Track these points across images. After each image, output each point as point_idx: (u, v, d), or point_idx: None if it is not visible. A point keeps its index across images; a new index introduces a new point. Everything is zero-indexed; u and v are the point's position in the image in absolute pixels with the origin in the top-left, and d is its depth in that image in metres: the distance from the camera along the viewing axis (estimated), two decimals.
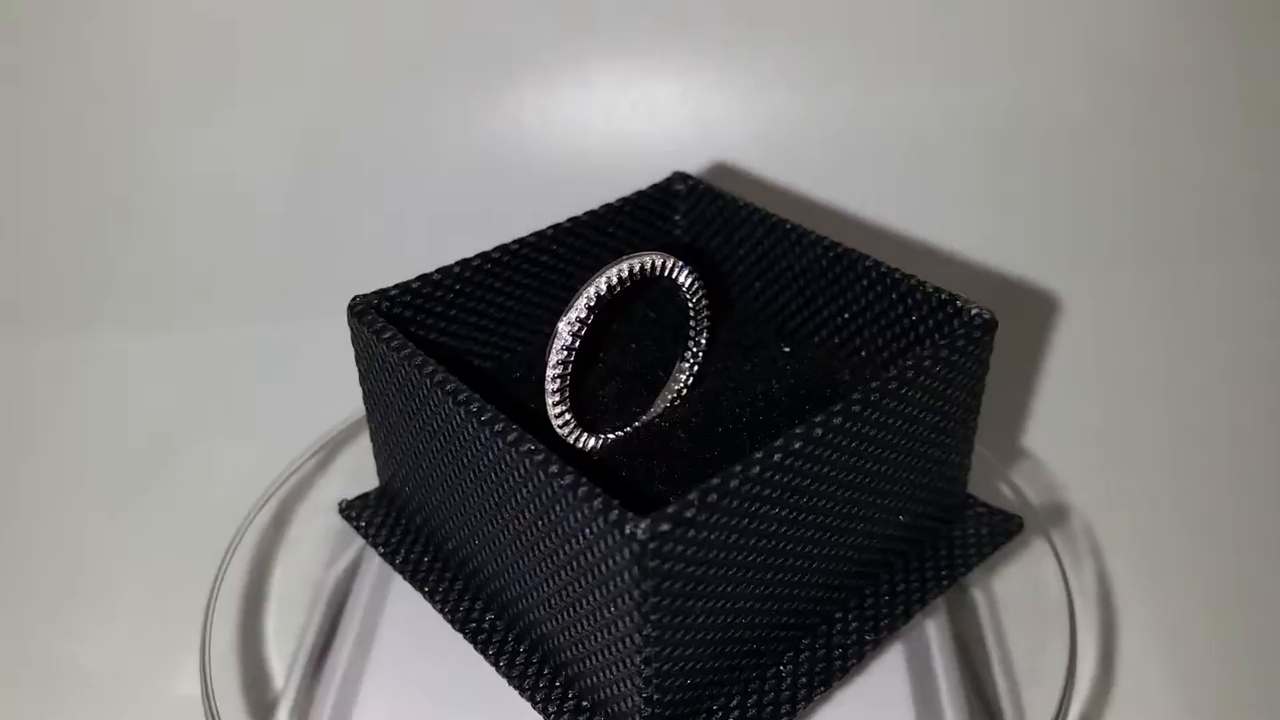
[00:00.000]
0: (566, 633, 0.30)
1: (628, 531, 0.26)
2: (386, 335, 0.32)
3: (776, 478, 0.29)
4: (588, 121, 0.61)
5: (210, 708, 0.35)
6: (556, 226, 0.40)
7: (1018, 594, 0.42)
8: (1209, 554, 0.48)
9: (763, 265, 0.40)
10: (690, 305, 0.35)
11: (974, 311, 0.34)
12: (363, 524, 0.37)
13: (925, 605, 0.35)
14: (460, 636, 0.34)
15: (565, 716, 0.31)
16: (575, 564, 0.29)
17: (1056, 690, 0.36)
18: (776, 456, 0.28)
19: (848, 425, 0.30)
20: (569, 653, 0.31)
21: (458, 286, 0.37)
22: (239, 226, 0.62)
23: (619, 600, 0.28)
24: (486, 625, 0.33)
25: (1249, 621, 0.45)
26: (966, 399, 0.34)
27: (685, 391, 0.36)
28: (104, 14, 0.60)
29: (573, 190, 0.47)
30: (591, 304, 0.32)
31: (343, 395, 0.43)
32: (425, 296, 0.36)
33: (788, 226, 0.39)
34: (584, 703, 0.31)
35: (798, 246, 0.39)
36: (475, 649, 0.33)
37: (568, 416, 0.33)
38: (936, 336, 0.35)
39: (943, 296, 0.35)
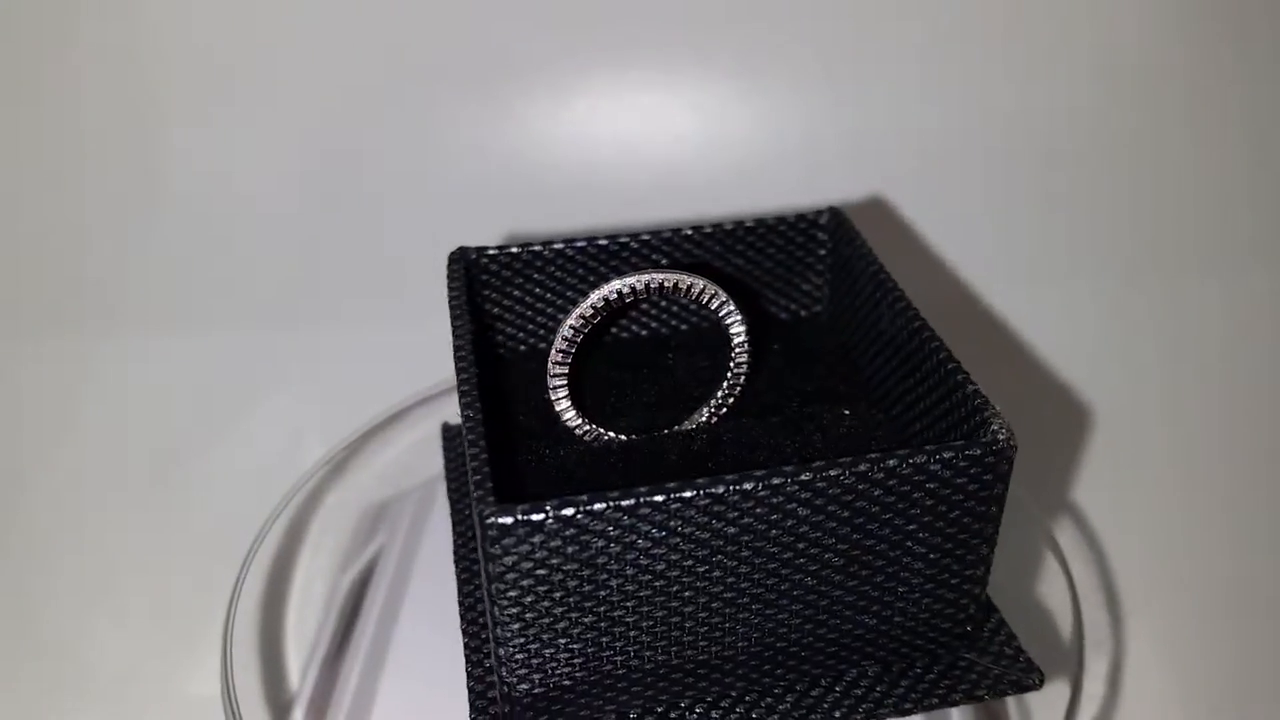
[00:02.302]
0: None
1: (478, 511, 0.28)
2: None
3: (666, 520, 0.28)
4: (596, 130, 0.60)
5: (232, 708, 0.36)
6: (676, 231, 0.40)
7: (1024, 600, 0.42)
8: (1215, 561, 0.48)
9: (855, 320, 0.39)
10: (729, 335, 0.35)
11: (994, 427, 0.30)
12: None
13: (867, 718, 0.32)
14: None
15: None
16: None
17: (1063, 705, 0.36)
18: (659, 498, 0.28)
19: (763, 495, 0.28)
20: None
21: (562, 260, 0.40)
22: (248, 231, 0.63)
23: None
24: None
25: (1255, 628, 0.45)
26: (967, 520, 0.30)
27: (718, 414, 0.36)
28: (109, 16, 0.60)
29: (581, 198, 0.47)
30: (599, 305, 0.33)
31: (356, 400, 0.45)
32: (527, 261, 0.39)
33: (888, 285, 0.37)
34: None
35: (889, 310, 0.36)
36: None
37: (567, 404, 0.34)
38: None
39: (977, 402, 0.31)
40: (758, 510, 0.29)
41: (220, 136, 0.61)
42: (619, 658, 0.31)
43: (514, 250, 0.39)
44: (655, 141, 0.61)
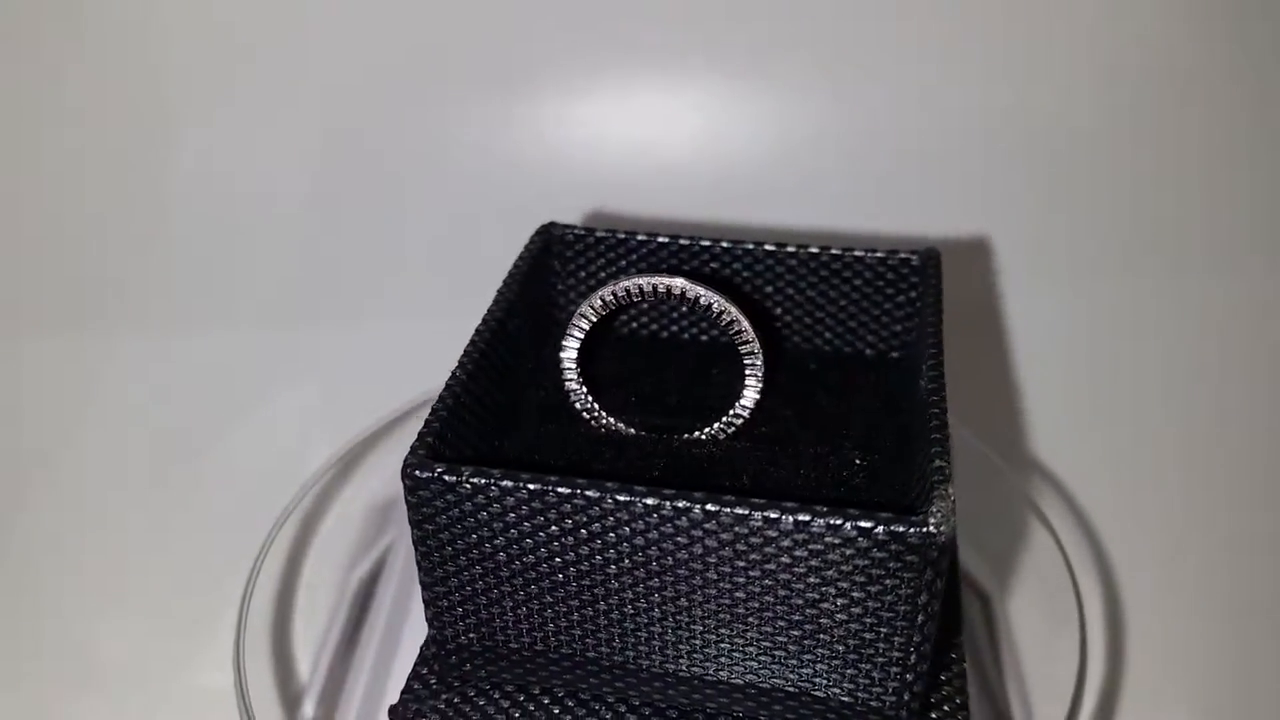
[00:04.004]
0: None
1: (405, 459, 0.30)
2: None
3: (573, 514, 0.29)
4: (604, 128, 0.57)
5: (244, 702, 0.37)
6: (758, 244, 0.40)
7: (1029, 602, 0.42)
8: (1218, 562, 0.48)
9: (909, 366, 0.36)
10: (740, 356, 0.34)
11: (933, 509, 0.28)
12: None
13: None
14: None
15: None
16: None
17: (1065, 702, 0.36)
18: (565, 490, 0.29)
19: (668, 514, 0.28)
20: None
21: (644, 251, 0.41)
22: (259, 229, 0.63)
23: None
24: None
25: (1257, 629, 0.45)
26: (890, 599, 0.28)
27: (726, 431, 0.36)
28: (121, 14, 0.60)
29: (587, 196, 0.45)
30: (607, 299, 0.34)
31: (363, 400, 0.46)
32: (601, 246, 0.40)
33: (931, 340, 0.34)
34: None
35: (924, 364, 0.34)
36: None
37: (576, 386, 0.36)
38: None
39: (935, 479, 0.29)
40: (664, 528, 0.29)
41: (225, 135, 0.62)
42: (525, 639, 0.32)
43: (600, 234, 0.41)
44: (659, 142, 0.61)
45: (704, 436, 0.36)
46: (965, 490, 0.39)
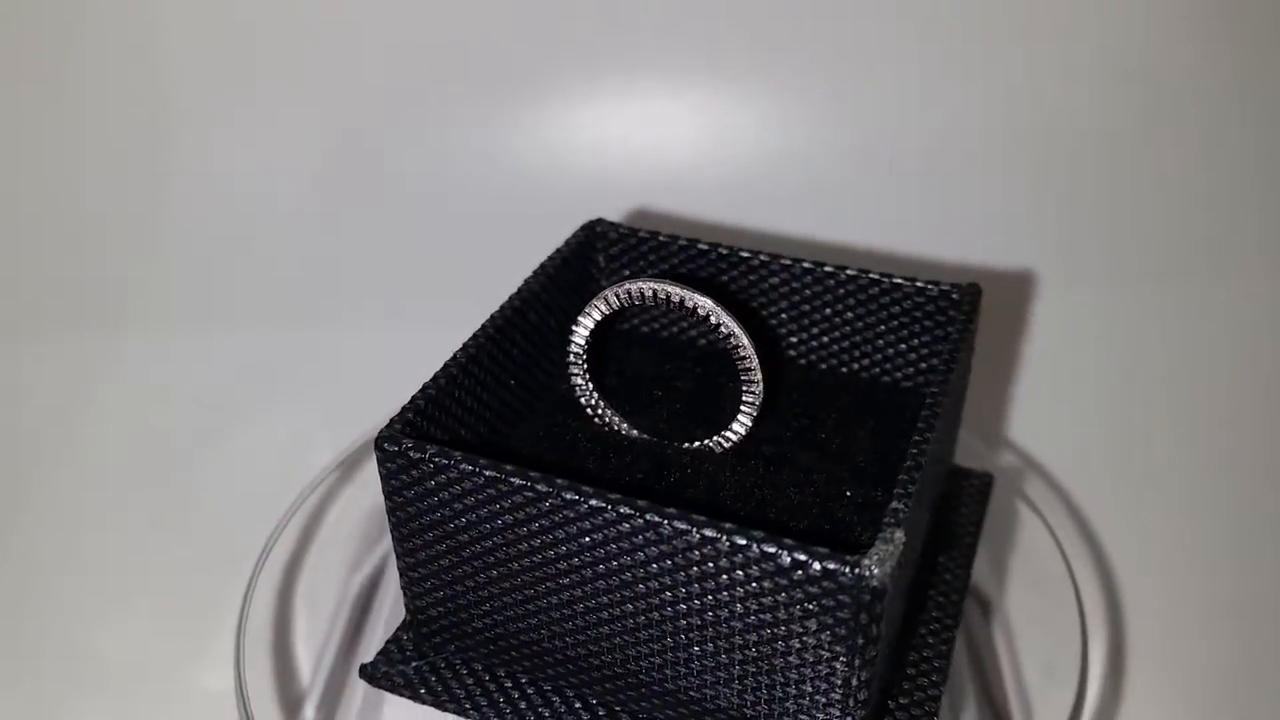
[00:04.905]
0: None
1: (380, 431, 0.31)
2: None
3: (525, 506, 0.29)
4: (605, 133, 0.55)
5: (243, 705, 0.37)
6: (795, 260, 0.39)
7: (1029, 605, 0.42)
8: (1219, 565, 0.47)
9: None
10: (738, 372, 0.34)
11: (872, 551, 0.26)
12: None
13: None
14: None
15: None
16: None
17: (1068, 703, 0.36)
18: (517, 480, 0.29)
19: (610, 518, 0.28)
20: None
21: (685, 255, 0.40)
22: (260, 232, 0.62)
23: None
24: None
25: (1258, 631, 0.45)
26: (826, 637, 0.27)
27: (722, 445, 0.35)
28: (121, 14, 0.59)
29: (589, 201, 0.43)
30: (612, 301, 0.34)
31: (366, 403, 0.44)
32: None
33: (945, 380, 0.33)
34: None
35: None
36: None
37: (582, 383, 0.36)
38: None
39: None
40: (607, 531, 0.29)
41: (227, 136, 0.62)
42: (487, 620, 0.33)
43: (643, 234, 0.41)
44: (663, 143, 0.61)
45: (700, 448, 0.36)
46: None
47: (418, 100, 0.62)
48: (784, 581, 0.27)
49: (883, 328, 0.39)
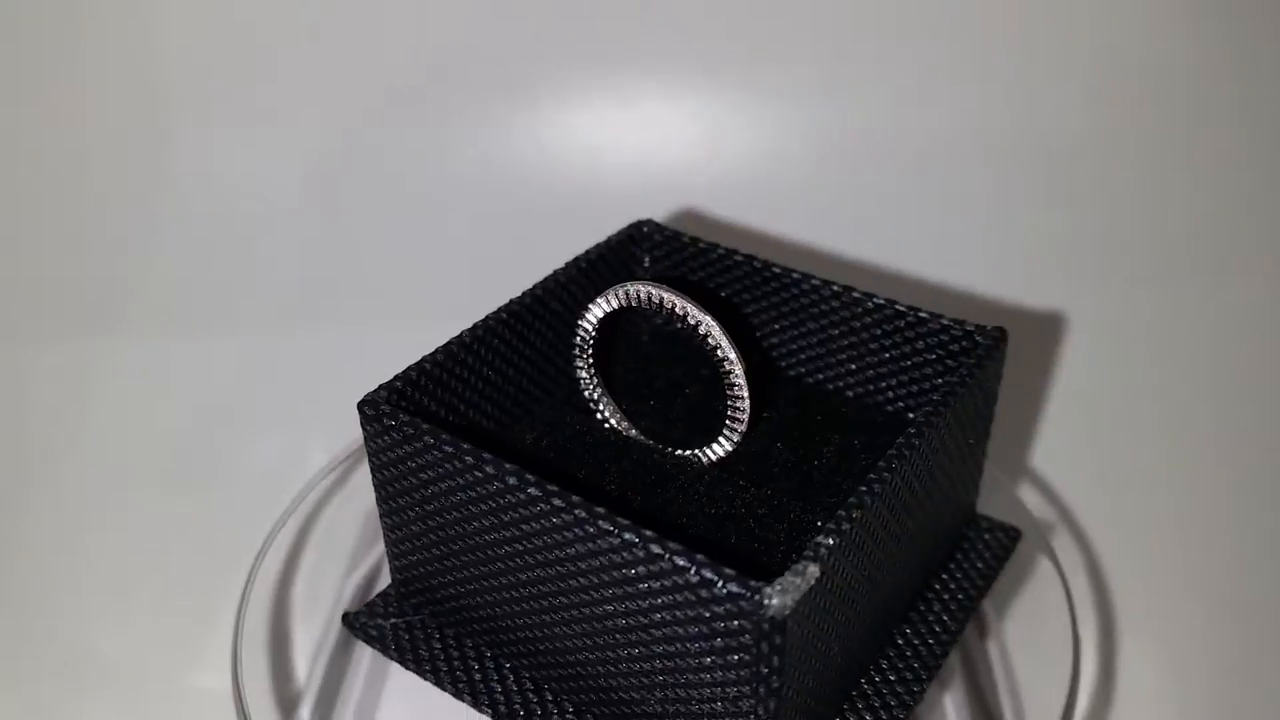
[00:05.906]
0: None
1: (365, 395, 0.33)
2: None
3: (496, 492, 0.30)
4: (603, 139, 0.52)
5: (241, 704, 0.37)
6: (826, 282, 0.38)
7: (1021, 610, 0.41)
8: (1211, 564, 0.47)
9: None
10: (724, 387, 0.33)
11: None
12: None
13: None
14: None
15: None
16: None
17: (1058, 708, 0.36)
18: (490, 469, 0.30)
19: (559, 506, 0.29)
20: None
21: (726, 265, 0.40)
22: (257, 234, 0.61)
23: None
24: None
25: (1250, 637, 0.44)
26: (733, 658, 0.27)
27: (708, 456, 0.35)
28: (121, 14, 0.58)
29: (590, 208, 0.41)
30: (608, 306, 0.34)
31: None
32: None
33: (946, 417, 0.31)
34: None
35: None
36: None
37: (586, 379, 0.36)
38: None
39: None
40: (544, 521, 0.29)
41: (227, 136, 0.61)
42: (453, 590, 0.34)
43: (685, 239, 0.41)
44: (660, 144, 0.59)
45: (687, 456, 0.36)
46: None
47: (417, 104, 0.62)
48: (692, 598, 0.27)
49: (907, 362, 0.37)
